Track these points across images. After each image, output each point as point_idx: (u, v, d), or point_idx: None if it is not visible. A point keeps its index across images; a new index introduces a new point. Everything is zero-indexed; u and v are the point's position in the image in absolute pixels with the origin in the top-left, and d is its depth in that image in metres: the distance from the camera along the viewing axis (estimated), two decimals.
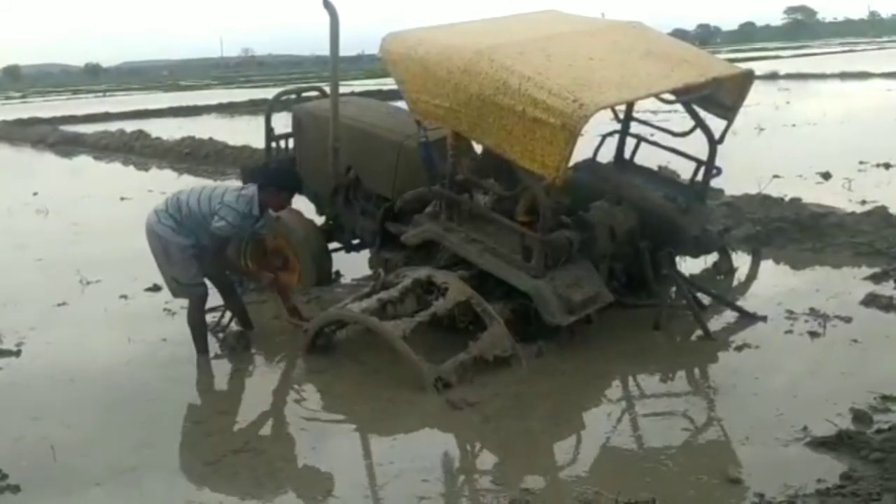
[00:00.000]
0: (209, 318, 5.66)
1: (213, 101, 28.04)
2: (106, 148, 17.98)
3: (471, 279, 5.14)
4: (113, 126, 20.56)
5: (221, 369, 5.19)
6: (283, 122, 7.03)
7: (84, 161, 17.21)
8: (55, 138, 20.16)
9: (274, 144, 6.96)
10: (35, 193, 11.59)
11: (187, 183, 7.39)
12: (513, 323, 4.96)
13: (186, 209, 5.08)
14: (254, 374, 5.13)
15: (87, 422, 4.50)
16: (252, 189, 5.12)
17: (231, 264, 5.28)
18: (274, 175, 5.27)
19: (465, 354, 4.70)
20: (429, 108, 5.20)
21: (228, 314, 5.62)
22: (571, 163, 4.87)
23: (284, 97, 7.27)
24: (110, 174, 14.83)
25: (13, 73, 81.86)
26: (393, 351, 4.68)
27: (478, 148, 5.95)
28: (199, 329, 5.30)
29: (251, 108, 25.42)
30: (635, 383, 4.85)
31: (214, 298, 6.26)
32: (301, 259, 6.44)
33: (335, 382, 4.90)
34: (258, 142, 11.37)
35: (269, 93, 24.02)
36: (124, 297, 6.46)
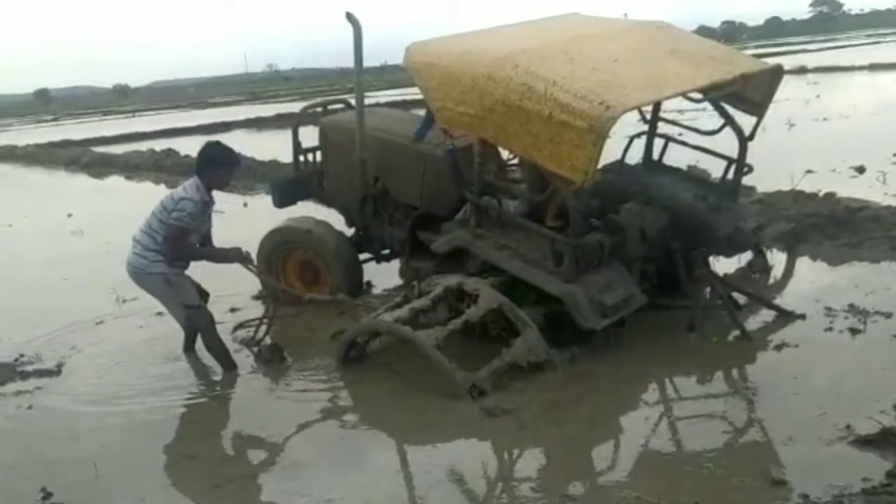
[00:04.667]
0: (245, 332, 5.72)
1: (241, 117, 28.35)
2: (137, 167, 18.25)
3: (502, 286, 5.13)
4: (143, 146, 20.87)
5: (258, 384, 5.24)
6: (310, 136, 7.09)
7: (116, 181, 17.49)
8: (87, 159, 20.52)
9: (302, 158, 7.02)
10: (69, 215, 11.81)
11: (218, 198, 7.46)
12: (546, 328, 4.94)
13: (157, 227, 5.06)
14: (290, 386, 5.16)
15: (127, 440, 4.56)
16: (194, 178, 5.13)
17: (191, 253, 5.18)
18: (205, 156, 5.18)
19: (498, 361, 4.70)
20: (454, 116, 5.21)
21: (263, 327, 5.66)
22: (600, 165, 4.84)
23: (311, 110, 7.32)
24: (142, 193, 15.05)
25: (43, 96, 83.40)
26: (426, 360, 4.68)
27: (504, 154, 5.98)
28: (219, 349, 5.35)
29: (278, 122, 25.64)
30: (672, 386, 4.81)
31: (250, 312, 6.34)
32: (332, 271, 6.48)
33: (370, 392, 4.92)
34: (286, 156, 11.46)
35: (296, 107, 24.19)
36: (160, 314, 6.53)
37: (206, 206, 5.13)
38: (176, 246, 5.04)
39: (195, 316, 5.25)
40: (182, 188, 5.09)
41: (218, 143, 5.33)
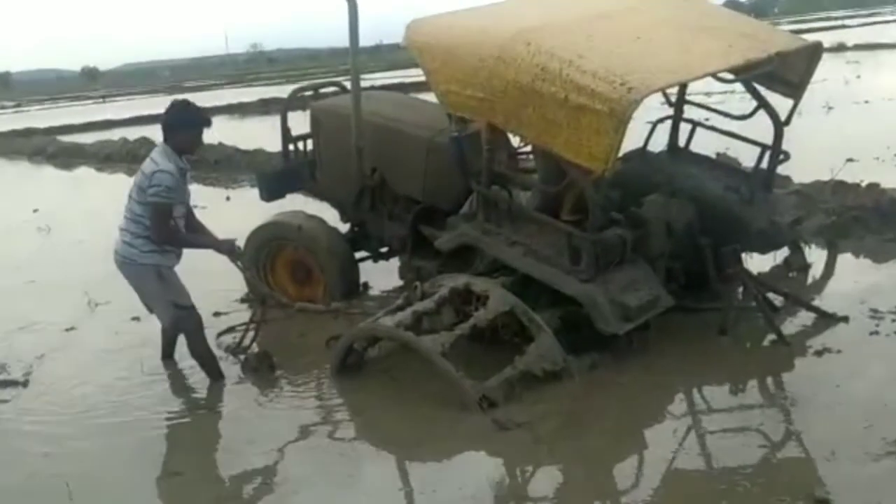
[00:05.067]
0: (230, 338, 5.73)
1: (221, 103, 28.31)
2: (108, 158, 18.25)
3: (513, 286, 5.14)
4: (115, 134, 20.89)
5: (245, 394, 5.24)
6: (300, 122, 7.10)
7: (85, 173, 17.50)
8: (53, 149, 20.53)
9: (291, 146, 7.02)
10: (35, 210, 11.82)
11: (197, 193, 7.43)
12: (562, 333, 4.95)
13: (141, 211, 5.01)
14: (280, 398, 5.17)
15: (102, 456, 4.57)
16: (160, 145, 5.10)
17: (179, 236, 5.16)
18: (171, 118, 5.13)
19: (511, 370, 4.70)
20: (460, 100, 5.21)
21: (251, 333, 5.67)
22: (621, 153, 4.85)
23: (301, 94, 7.33)
24: (114, 186, 15.05)
25: (4, 80, 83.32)
26: (431, 368, 4.69)
27: (514, 141, 5.98)
28: (206, 357, 5.36)
29: (262, 108, 25.66)
30: (702, 396, 4.83)
31: (235, 316, 6.35)
32: (325, 271, 6.49)
33: (369, 404, 4.93)
34: (272, 145, 11.50)
35: (281, 91, 24.17)
36: (136, 319, 6.54)
37: (183, 173, 5.09)
38: (162, 226, 4.99)
39: (185, 318, 5.23)
40: (150, 160, 5.03)
41: (185, 103, 5.31)
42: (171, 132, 5.07)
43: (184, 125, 5.08)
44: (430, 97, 5.96)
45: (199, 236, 5.29)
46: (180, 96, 5.34)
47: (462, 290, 5.08)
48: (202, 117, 5.19)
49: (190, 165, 5.24)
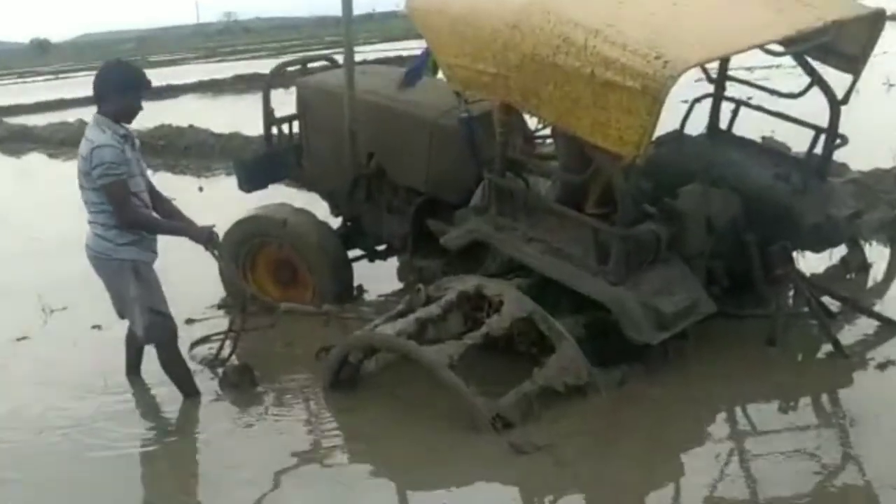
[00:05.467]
0: (206, 348, 5.74)
1: (191, 79, 28.34)
2: (63, 143, 18.22)
3: (531, 289, 5.15)
4: (70, 115, 20.87)
5: (224, 414, 5.25)
6: (284, 101, 7.11)
7: (37, 160, 17.51)
8: (0, 133, 20.55)
9: (274, 130, 7.03)
10: None
11: (165, 183, 7.40)
12: (588, 343, 4.96)
13: (100, 199, 4.97)
14: (265, 417, 5.19)
15: (64, 487, 4.57)
16: (94, 117, 5.06)
17: (146, 220, 5.13)
18: (103, 82, 5.09)
19: (529, 384, 4.71)
20: (470, 76, 5.22)
21: (229, 343, 5.69)
22: (654, 137, 4.86)
23: (286, 70, 7.34)
24: (70, 175, 15.04)
25: None
26: (437, 383, 4.70)
27: (532, 122, 5.99)
28: (181, 371, 5.37)
29: (239, 85, 25.65)
30: (747, 415, 4.84)
31: (211, 324, 6.35)
32: (315, 271, 6.50)
33: (366, 424, 4.94)
34: (252, 127, 11.52)
35: (260, 66, 24.18)
36: (97, 327, 6.56)
37: (126, 140, 5.06)
38: (124, 207, 4.96)
39: (160, 327, 5.22)
40: (84, 140, 5.00)
41: (118, 63, 5.33)
42: (104, 98, 5.05)
43: (117, 88, 5.03)
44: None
45: (171, 221, 5.27)
46: (145, 72, 5.32)
47: (472, 293, 5.09)
48: (138, 78, 5.15)
49: (133, 133, 5.20)
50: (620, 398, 4.86)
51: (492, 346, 4.96)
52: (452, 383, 4.62)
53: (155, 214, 5.23)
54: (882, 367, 4.99)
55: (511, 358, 5.03)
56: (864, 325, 5.53)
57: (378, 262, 6.85)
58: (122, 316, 5.37)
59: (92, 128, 5.01)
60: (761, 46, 5.26)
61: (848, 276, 6.38)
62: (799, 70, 5.90)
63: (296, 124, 6.94)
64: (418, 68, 6.12)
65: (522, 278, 5.27)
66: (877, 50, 5.86)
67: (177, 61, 46.20)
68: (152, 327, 5.20)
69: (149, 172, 5.37)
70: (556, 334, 4.88)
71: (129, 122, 5.16)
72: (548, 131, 5.98)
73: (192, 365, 5.66)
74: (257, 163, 7.10)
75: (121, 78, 5.10)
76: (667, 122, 5.29)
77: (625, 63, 4.52)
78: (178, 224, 5.28)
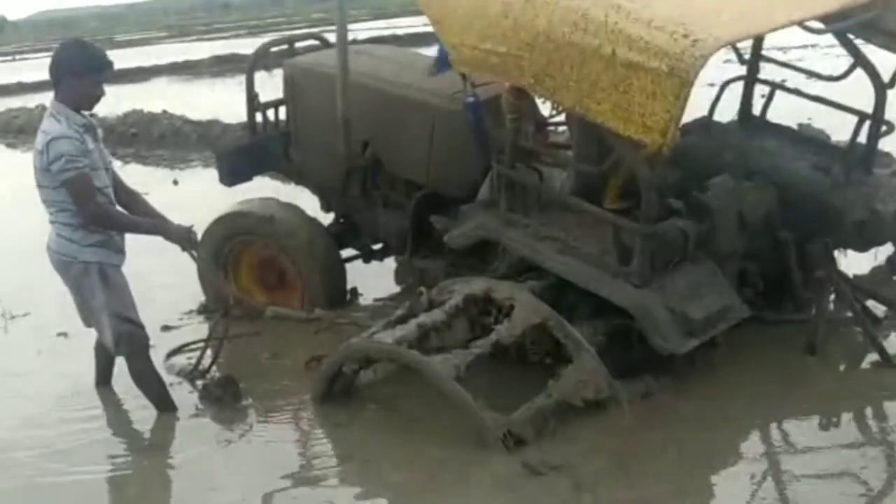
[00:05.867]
0: (184, 358, 5.74)
1: (164, 61, 28.37)
2: (21, 131, 18.22)
3: (545, 292, 5.15)
4: (29, 100, 20.87)
5: (204, 431, 5.25)
6: (270, 85, 7.10)
7: None
8: None
9: (259, 116, 7.02)
10: None
11: (136, 177, 7.39)
12: (608, 352, 4.96)
13: (63, 197, 4.96)
14: (249, 435, 5.18)
15: None
16: (50, 105, 5.06)
17: (115, 217, 5.14)
18: (55, 69, 5.06)
19: (543, 398, 4.71)
20: (478, 56, 5.20)
21: (210, 353, 5.70)
22: (681, 123, 4.85)
23: (272, 50, 7.33)
24: (30, 167, 15.08)
25: None
26: (441, 397, 4.69)
27: (546, 108, 5.99)
28: (154, 384, 5.36)
29: (217, 67, 25.69)
30: (784, 432, 4.84)
31: (189, 331, 6.35)
32: (304, 273, 6.51)
33: (362, 441, 4.93)
34: (232, 114, 11.56)
35: (240, 45, 24.20)
36: (63, 335, 6.57)
37: (87, 130, 5.05)
38: (89, 203, 4.94)
39: (130, 335, 5.21)
40: (40, 131, 4.98)
41: (76, 43, 5.32)
42: (60, 84, 5.02)
43: (74, 72, 4.99)
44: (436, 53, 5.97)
45: (143, 219, 5.27)
46: (113, 52, 5.32)
47: (480, 297, 5.09)
48: (97, 59, 5.11)
49: (95, 121, 5.19)
50: (644, 413, 4.85)
51: (501, 356, 4.96)
52: (459, 397, 4.61)
53: (124, 212, 5.23)
54: None
55: (522, 367, 5.04)
56: None
57: (374, 263, 6.86)
58: (87, 324, 5.37)
59: (47, 118, 5.00)
60: (800, 23, 5.26)
61: (895, 278, 6.38)
62: (839, 50, 5.90)
63: (283, 110, 6.93)
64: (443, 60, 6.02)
65: (535, 280, 5.26)
66: None
67: (148, 40, 46.19)
68: (121, 337, 5.19)
69: (117, 164, 5.38)
70: (574, 343, 4.88)
71: (90, 109, 5.16)
72: (563, 117, 5.96)
73: (169, 377, 5.68)
74: (240, 153, 7.08)
75: (77, 60, 5.05)
76: (694, 108, 5.28)
77: (649, 41, 4.51)
78: (151, 221, 5.27)
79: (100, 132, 5.22)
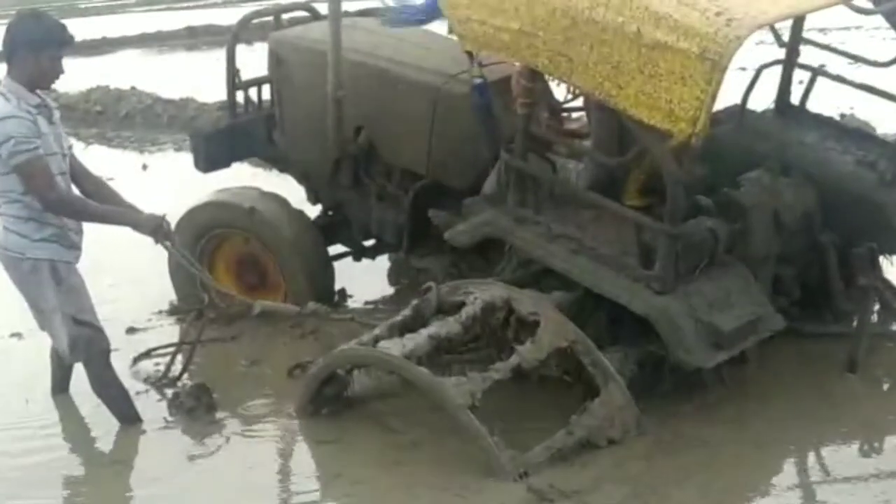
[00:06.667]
0: (152, 364, 5.72)
1: (133, 31, 28.35)
2: None
3: (572, 307, 5.14)
4: None
5: (174, 445, 5.24)
6: (253, 60, 7.08)
7: None
8: None
9: (240, 95, 7.00)
10: None
11: (101, 161, 7.31)
12: (637, 379, 4.96)
13: (12, 185, 4.94)
14: (224, 450, 5.16)
15: None
16: (3, 83, 5.01)
17: (77, 205, 5.11)
18: (8, 42, 5.02)
19: (564, 436, 4.70)
20: (486, 33, 5.18)
21: (181, 358, 5.69)
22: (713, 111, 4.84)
23: (255, 21, 7.32)
24: None
25: None
26: (445, 413, 4.67)
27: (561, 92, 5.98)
28: (115, 392, 5.34)
29: (191, 39, 25.63)
30: (820, 458, 4.86)
31: (157, 334, 6.34)
32: (287, 271, 6.50)
33: (352, 461, 4.91)
34: (210, 92, 11.49)
35: (217, 15, 24.14)
36: (17, 335, 6.56)
37: (41, 111, 5.01)
38: (47, 189, 4.90)
39: (88, 339, 5.18)
40: None
41: (32, 15, 5.30)
42: (13, 59, 4.99)
43: (29, 47, 4.96)
44: (440, 29, 5.95)
45: (110, 208, 5.23)
46: (76, 21, 5.29)
47: (500, 306, 5.05)
48: (55, 32, 5.06)
49: (52, 101, 5.16)
50: (665, 438, 4.85)
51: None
52: (473, 430, 4.57)
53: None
54: None
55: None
56: None
57: (365, 261, 6.85)
58: (42, 327, 5.34)
59: (1, 93, 4.95)
60: (847, 2, 5.24)
61: None
62: (886, 32, 5.90)
63: (266, 89, 6.94)
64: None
65: (560, 291, 5.24)
66: None
67: (114, 9, 46.16)
68: (77, 341, 5.16)
69: (79, 147, 5.33)
70: (603, 373, 4.86)
71: (47, 87, 5.14)
72: (580, 103, 5.98)
73: (135, 384, 5.68)
74: (218, 136, 7.09)
75: (32, 34, 5.02)
76: (726, 95, 5.26)
77: (679, 20, 4.50)
78: (120, 210, 5.23)
79: (57, 113, 5.18)
